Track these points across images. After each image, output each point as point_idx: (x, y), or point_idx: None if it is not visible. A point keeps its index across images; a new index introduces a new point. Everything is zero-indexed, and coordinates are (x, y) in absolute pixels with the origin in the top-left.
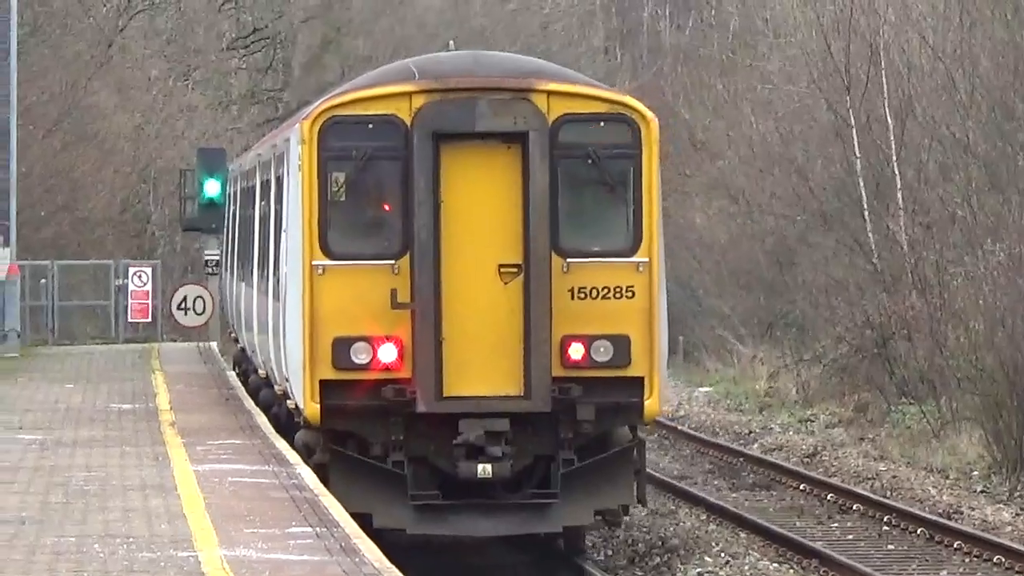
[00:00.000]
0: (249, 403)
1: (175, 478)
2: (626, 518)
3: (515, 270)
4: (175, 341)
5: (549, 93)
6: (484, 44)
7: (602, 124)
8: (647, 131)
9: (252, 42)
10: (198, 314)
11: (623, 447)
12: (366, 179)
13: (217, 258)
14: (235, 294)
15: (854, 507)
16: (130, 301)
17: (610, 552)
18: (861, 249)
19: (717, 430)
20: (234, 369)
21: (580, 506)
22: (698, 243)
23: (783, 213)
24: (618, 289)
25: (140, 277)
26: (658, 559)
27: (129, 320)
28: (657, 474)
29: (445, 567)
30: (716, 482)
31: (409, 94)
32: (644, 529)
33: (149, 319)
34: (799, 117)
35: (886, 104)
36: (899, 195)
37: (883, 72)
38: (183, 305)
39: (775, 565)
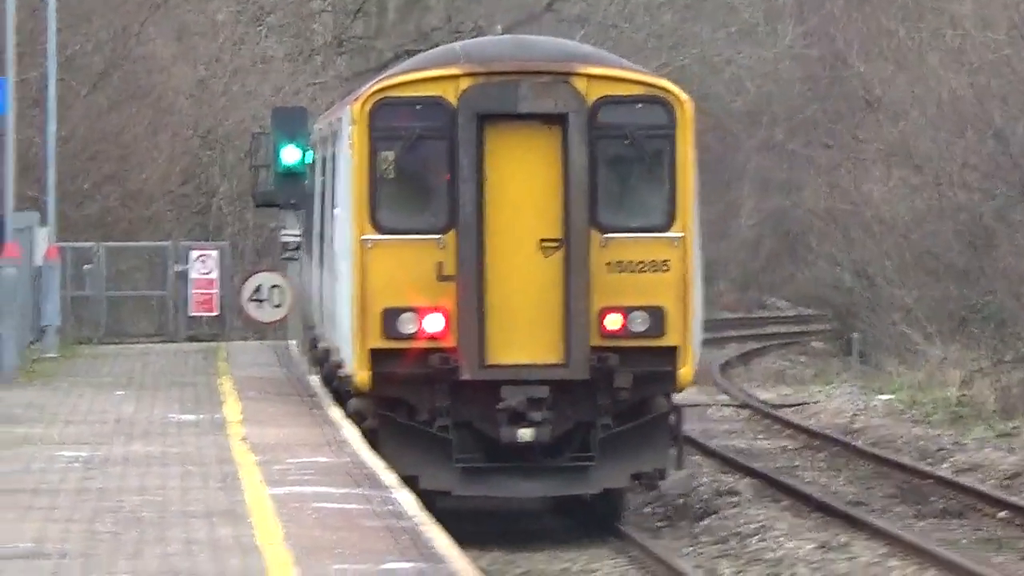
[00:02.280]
0: (336, 413)
1: (247, 503)
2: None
3: (555, 244)
4: (246, 339)
5: (588, 76)
6: None
7: (639, 106)
8: (682, 112)
9: None
10: (275, 306)
11: (658, 413)
12: (414, 158)
13: (297, 239)
14: (312, 279)
15: None
16: (192, 291)
17: None
18: None
19: (900, 446)
20: (316, 370)
21: (617, 469)
22: (875, 221)
23: (978, 186)
24: (653, 263)
25: (204, 262)
26: None
27: (191, 314)
28: (827, 499)
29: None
30: (898, 509)
31: (455, 77)
32: (813, 566)
33: (215, 312)
34: (997, 70)
35: None
36: None
37: None
38: (256, 296)
39: None
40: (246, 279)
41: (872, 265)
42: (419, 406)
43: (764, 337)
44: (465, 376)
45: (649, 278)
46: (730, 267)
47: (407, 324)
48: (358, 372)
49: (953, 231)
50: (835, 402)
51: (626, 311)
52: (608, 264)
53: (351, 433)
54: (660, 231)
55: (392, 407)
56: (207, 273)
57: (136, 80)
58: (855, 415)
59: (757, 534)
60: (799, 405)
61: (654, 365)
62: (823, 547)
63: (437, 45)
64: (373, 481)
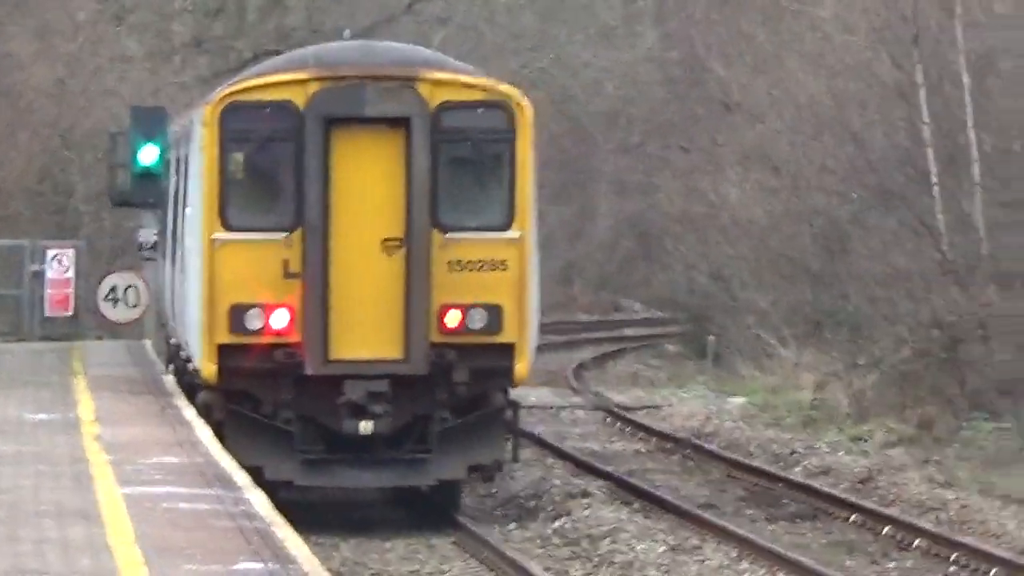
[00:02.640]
0: (190, 413)
1: (99, 503)
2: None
3: (398, 243)
4: (101, 339)
5: (432, 81)
6: None
7: (480, 110)
8: (521, 116)
9: None
10: (130, 306)
11: (494, 407)
12: (263, 159)
13: (153, 239)
14: (166, 278)
15: (915, 543)
16: (47, 290)
17: None
18: (929, 233)
19: (752, 449)
20: (170, 370)
21: (454, 461)
22: (732, 224)
23: (835, 189)
24: (492, 262)
25: (60, 261)
26: None
27: (46, 314)
28: (678, 502)
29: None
30: (750, 512)
31: (303, 81)
32: (663, 568)
33: (70, 312)
34: (856, 74)
35: (961, 59)
36: (975, 168)
37: (958, 20)
38: (112, 296)
39: None
40: (102, 279)
41: (728, 268)
42: (264, 399)
43: (619, 340)
44: (309, 370)
45: (488, 276)
46: (586, 269)
47: (253, 320)
48: (205, 366)
49: (809, 235)
50: (688, 405)
51: (465, 308)
52: (448, 263)
53: (204, 433)
54: (499, 231)
55: (238, 400)
56: (63, 273)
57: None
58: (708, 418)
59: (608, 536)
60: (653, 408)
61: (491, 361)
62: (674, 549)
63: (299, 45)
64: (225, 481)
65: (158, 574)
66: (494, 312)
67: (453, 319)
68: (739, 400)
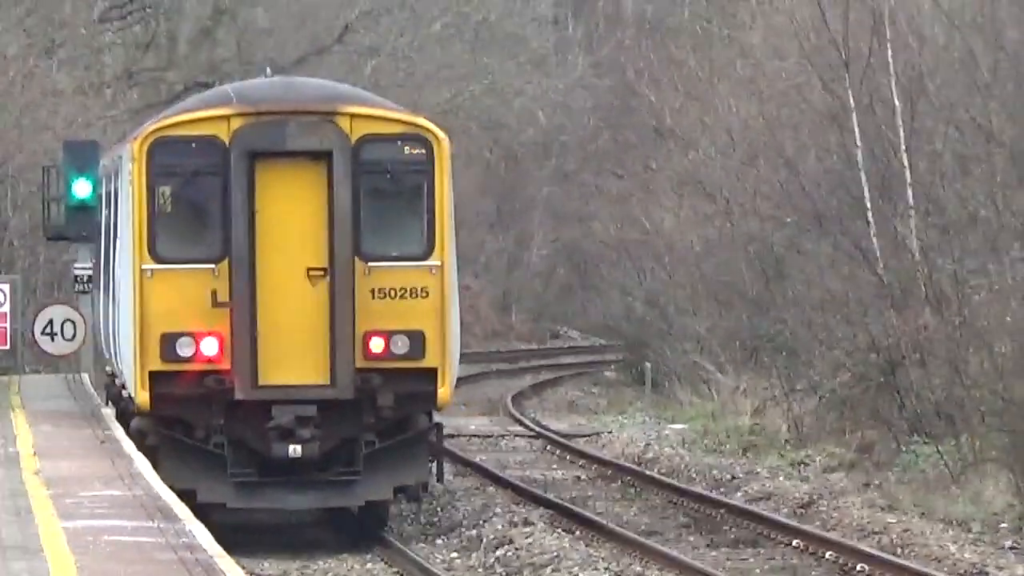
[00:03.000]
0: (128, 446)
1: (40, 537)
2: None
3: (322, 273)
4: (39, 372)
5: (352, 115)
6: (407, 11)
7: (399, 143)
8: (439, 149)
9: (129, 12)
10: (67, 340)
11: (419, 430)
12: (190, 192)
13: (89, 272)
14: (101, 309)
15: (858, 567)
16: None
17: None
18: (864, 257)
19: (693, 475)
20: (108, 404)
21: (381, 483)
22: (667, 251)
23: (770, 214)
24: (413, 290)
25: None
26: None
27: None
28: (621, 529)
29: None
30: (691, 538)
31: (227, 117)
32: None
33: (7, 346)
34: (788, 99)
35: (893, 83)
36: (909, 192)
37: (889, 44)
38: (48, 329)
39: None
40: (38, 312)
41: (664, 294)
42: (196, 424)
43: (557, 367)
44: (239, 396)
45: (409, 304)
46: (523, 297)
47: (184, 348)
48: (139, 393)
49: (745, 260)
50: (628, 432)
51: (388, 335)
52: (371, 291)
53: (144, 466)
54: (419, 260)
55: (171, 425)
56: None
57: None
58: (648, 444)
59: (551, 564)
60: (592, 435)
61: (415, 385)
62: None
63: (229, 77)
64: (167, 514)
65: None
66: (416, 338)
67: (377, 345)
68: (678, 426)
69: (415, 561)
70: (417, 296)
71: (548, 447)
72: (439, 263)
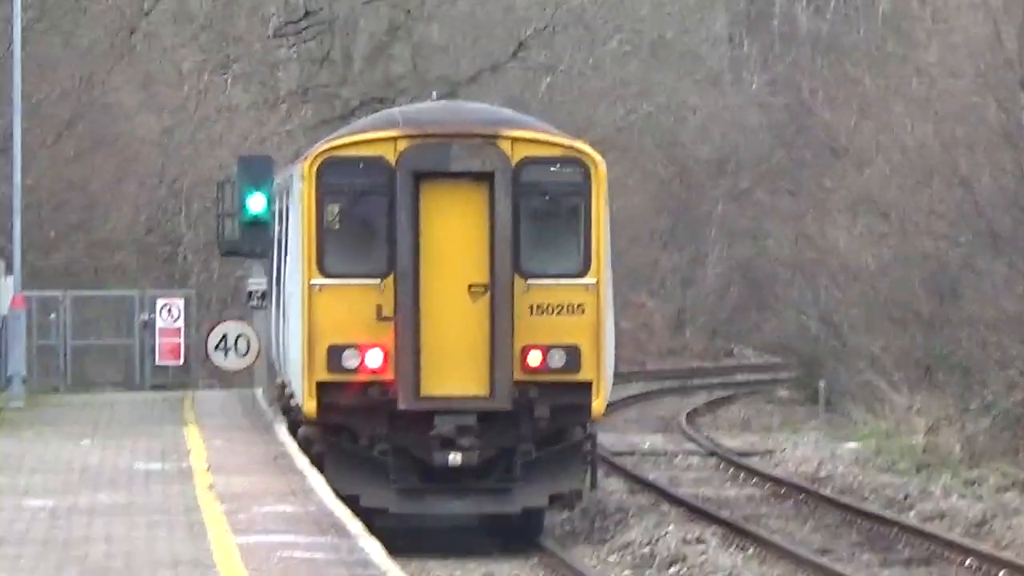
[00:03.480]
0: (302, 461)
1: (213, 553)
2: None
3: (483, 289)
4: (212, 388)
5: (513, 139)
6: (582, 27)
7: (558, 166)
8: (596, 172)
9: (304, 28)
10: (240, 355)
11: (574, 441)
12: (357, 210)
13: (263, 288)
14: (273, 325)
15: None
16: (158, 340)
17: None
18: None
19: (866, 494)
20: (282, 418)
21: (537, 490)
22: (841, 269)
23: (944, 233)
24: (570, 306)
25: (170, 311)
26: None
27: (157, 362)
28: (794, 547)
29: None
30: (865, 557)
31: (394, 139)
32: None
33: (181, 361)
34: (963, 118)
35: None
36: None
37: None
38: (222, 345)
39: None
40: (212, 328)
41: (838, 313)
42: (361, 432)
43: (731, 385)
44: (402, 406)
45: (566, 320)
46: (697, 315)
47: (350, 359)
48: (306, 402)
49: (919, 279)
50: (801, 450)
51: (545, 349)
52: (530, 307)
53: (317, 482)
54: (576, 277)
55: (336, 433)
56: (173, 322)
57: (102, 128)
58: (821, 463)
59: None
60: (765, 453)
61: (570, 398)
62: None
63: (404, 93)
64: (340, 530)
65: None
66: (573, 352)
67: (535, 359)
68: (852, 445)
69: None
70: (574, 312)
71: (721, 465)
72: (595, 281)
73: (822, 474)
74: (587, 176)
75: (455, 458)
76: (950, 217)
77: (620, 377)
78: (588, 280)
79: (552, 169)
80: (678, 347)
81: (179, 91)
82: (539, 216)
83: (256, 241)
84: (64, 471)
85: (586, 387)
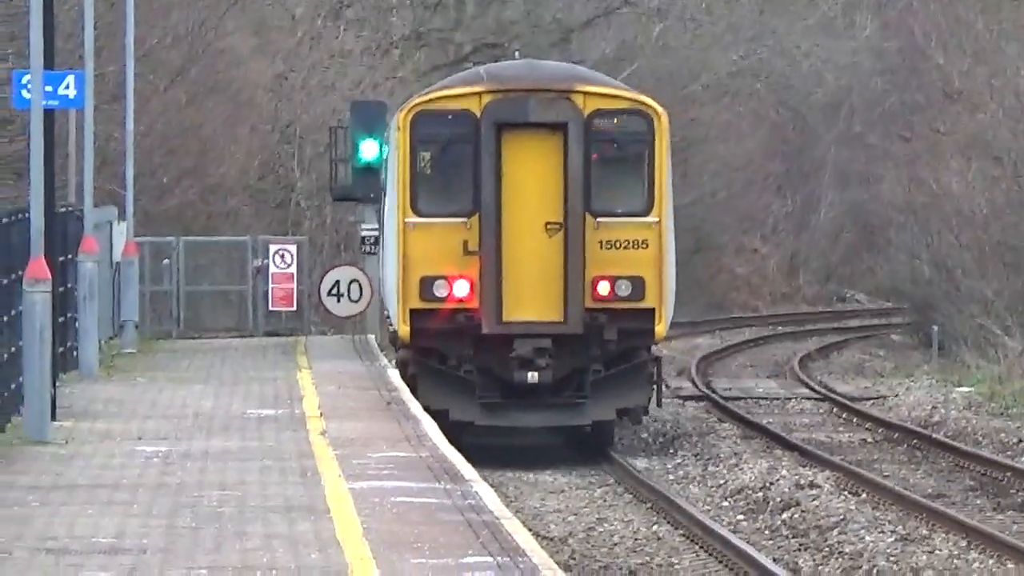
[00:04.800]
0: (416, 407)
1: (327, 498)
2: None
3: (558, 226)
4: (325, 333)
5: (585, 93)
6: None
7: (624, 116)
8: (659, 122)
9: None
10: (353, 301)
11: (640, 361)
12: (446, 157)
13: (375, 234)
14: (381, 262)
15: None
16: (271, 285)
17: None
18: None
19: (979, 439)
20: (393, 363)
21: (606, 405)
22: (955, 213)
23: None
24: (636, 241)
25: (283, 257)
26: None
27: (270, 308)
28: (907, 492)
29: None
30: (978, 501)
31: (479, 93)
32: (892, 559)
33: (294, 307)
34: None
35: None
36: None
37: None
38: (335, 291)
39: None
40: (325, 274)
41: (951, 258)
42: (449, 354)
43: (844, 331)
44: (485, 330)
45: (632, 254)
46: (810, 260)
47: (440, 289)
48: (401, 327)
49: None
50: (914, 395)
51: (613, 279)
52: (600, 242)
53: (431, 427)
54: (640, 216)
55: (428, 355)
56: (286, 268)
57: (214, 74)
58: (934, 408)
59: (837, 527)
60: (878, 398)
61: (636, 323)
62: (903, 540)
63: (516, 37)
64: (453, 475)
65: (387, 569)
66: (638, 283)
67: (604, 288)
68: (965, 389)
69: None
70: (638, 247)
71: (834, 410)
72: (658, 219)
73: (935, 419)
74: (651, 126)
75: (533, 376)
76: None
77: (732, 322)
78: (651, 218)
79: (619, 120)
80: (791, 292)
81: (292, 37)
82: (608, 162)
83: (368, 187)
84: (177, 417)
85: (650, 313)
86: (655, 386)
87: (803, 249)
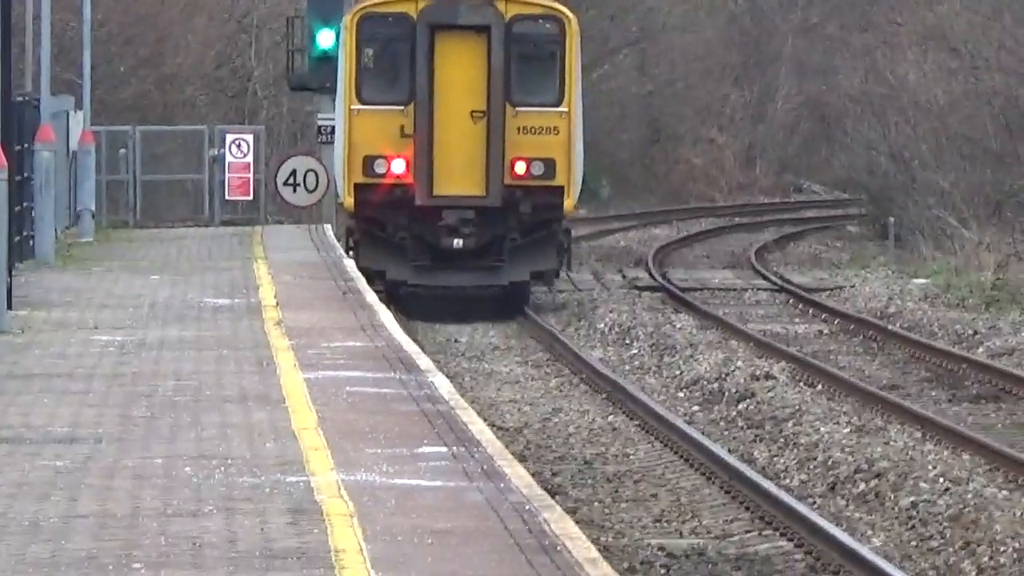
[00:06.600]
0: (371, 296)
1: (282, 388)
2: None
3: (481, 114)
4: (281, 223)
5: (507, 1)
6: None
7: (540, 21)
8: (570, 26)
9: None
10: (309, 191)
11: (550, 231)
12: (386, 53)
13: (332, 123)
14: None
15: None
16: (227, 175)
17: (805, 477)
18: None
19: (935, 331)
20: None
21: (520, 268)
22: (911, 105)
23: (1014, 69)
24: (548, 128)
25: (239, 146)
26: (863, 485)
27: (226, 198)
28: (863, 383)
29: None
30: (933, 393)
31: (416, 0)
32: (848, 450)
33: (250, 197)
34: None
35: None
36: None
37: None
38: (291, 180)
39: (1004, 492)
40: (281, 163)
41: (908, 149)
42: (387, 223)
43: (800, 221)
44: (419, 202)
45: (545, 139)
46: (767, 151)
47: (380, 166)
48: (346, 199)
49: (989, 114)
50: (870, 286)
51: (529, 160)
52: (517, 128)
53: (387, 318)
54: (553, 106)
55: (369, 224)
56: (243, 157)
57: None
58: (890, 299)
59: (792, 418)
60: (834, 289)
61: (547, 198)
62: (858, 431)
63: None
64: (408, 365)
65: (342, 458)
66: (550, 164)
67: (520, 168)
68: (921, 281)
69: (684, 433)
70: (551, 133)
71: (790, 301)
72: (567, 110)
73: (891, 310)
74: (563, 29)
75: (458, 243)
76: (1021, 53)
77: (689, 212)
78: (562, 108)
79: (536, 24)
80: (748, 182)
81: None
82: (525, 60)
83: (325, 76)
84: (133, 306)
85: (560, 190)
86: (565, 254)
87: (760, 140)
